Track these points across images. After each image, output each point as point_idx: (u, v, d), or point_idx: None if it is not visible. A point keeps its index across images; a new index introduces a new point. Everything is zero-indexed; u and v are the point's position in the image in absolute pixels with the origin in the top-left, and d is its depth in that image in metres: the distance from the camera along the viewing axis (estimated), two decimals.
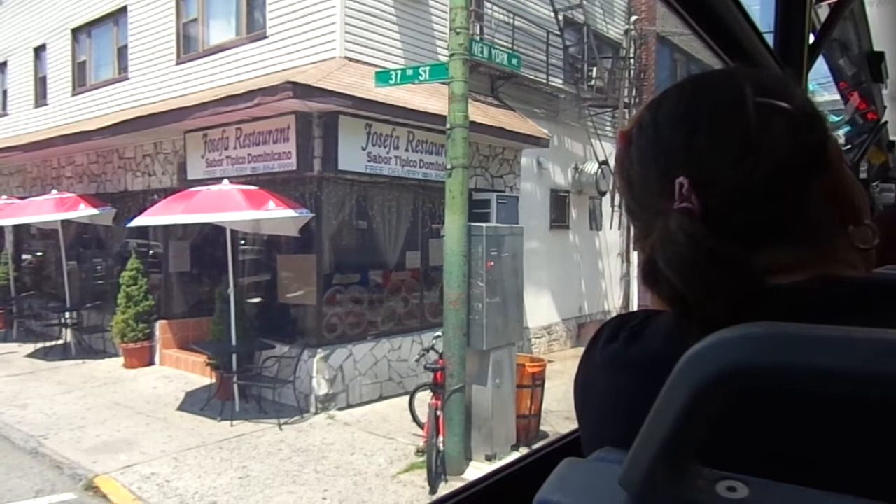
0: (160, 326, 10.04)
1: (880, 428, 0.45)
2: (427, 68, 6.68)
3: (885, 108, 3.89)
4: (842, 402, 0.42)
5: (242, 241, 9.44)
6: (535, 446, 5.67)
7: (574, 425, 0.70)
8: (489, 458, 6.33)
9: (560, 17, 11.17)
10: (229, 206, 7.27)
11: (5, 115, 15.35)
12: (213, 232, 8.81)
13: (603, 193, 12.32)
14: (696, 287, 0.53)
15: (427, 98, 8.32)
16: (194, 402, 7.90)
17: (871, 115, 3.84)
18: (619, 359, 0.61)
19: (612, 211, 12.42)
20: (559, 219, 11.90)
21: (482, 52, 7.37)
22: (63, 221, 10.61)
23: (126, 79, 11.68)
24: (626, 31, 13.15)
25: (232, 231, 8.03)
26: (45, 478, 5.84)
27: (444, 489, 5.76)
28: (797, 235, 0.58)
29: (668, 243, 0.55)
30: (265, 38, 9.15)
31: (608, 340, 0.63)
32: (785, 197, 0.57)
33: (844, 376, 0.35)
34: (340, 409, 7.90)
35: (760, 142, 0.57)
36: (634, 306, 12.85)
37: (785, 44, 1.50)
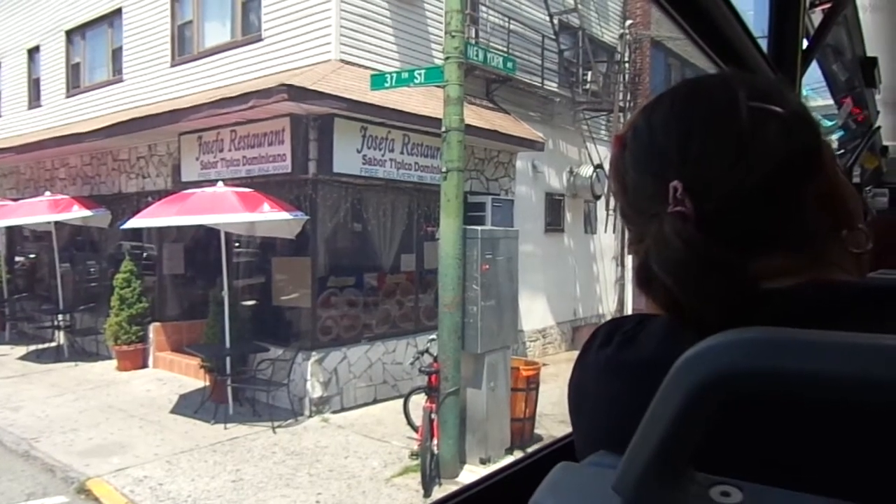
0: (154, 329, 10.00)
1: (873, 433, 0.45)
2: (422, 71, 6.69)
3: (878, 112, 3.91)
4: (835, 408, 0.42)
5: (237, 244, 9.41)
6: (529, 450, 5.66)
7: (568, 429, 0.70)
8: (483, 462, 6.33)
9: (555, 21, 11.20)
10: (224, 209, 7.25)
11: None
12: (208, 234, 8.79)
13: (598, 197, 12.34)
14: (690, 291, 0.53)
15: (422, 101, 8.32)
16: (188, 405, 7.87)
17: (864, 120, 3.86)
18: (613, 363, 0.61)
19: (607, 215, 12.44)
20: (554, 222, 11.91)
21: (477, 56, 7.39)
22: (56, 223, 10.57)
23: (120, 81, 11.65)
24: (621, 36, 13.19)
25: (226, 233, 8.00)
26: (37, 481, 5.81)
27: (438, 492, 5.75)
28: (791, 240, 0.58)
29: (663, 247, 0.55)
30: (260, 40, 9.14)
31: (602, 344, 0.63)
32: (779, 201, 0.57)
33: (838, 381, 0.35)
34: (334, 412, 7.88)
35: (754, 146, 0.57)
36: (629, 310, 12.87)
37: (778, 49, 1.51)
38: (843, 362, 0.35)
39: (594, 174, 11.98)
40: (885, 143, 4.95)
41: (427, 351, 6.62)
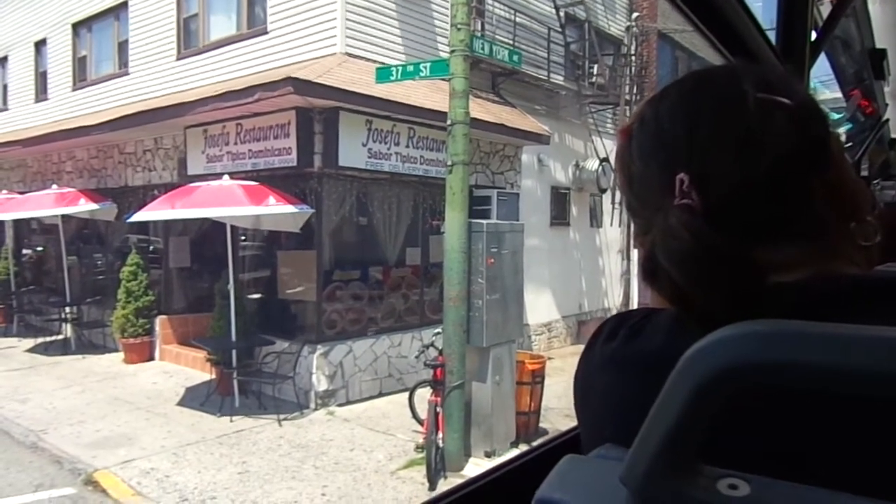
0: (160, 322, 10.04)
1: (882, 426, 0.45)
2: (428, 64, 6.67)
3: (886, 105, 3.88)
4: (844, 400, 0.42)
5: (243, 237, 9.43)
6: (535, 443, 5.66)
7: (574, 422, 0.70)
8: (488, 455, 6.34)
9: (561, 14, 11.16)
10: (229, 202, 7.27)
11: (6, 109, 15.33)
12: (214, 228, 8.80)
13: (603, 190, 12.31)
14: (697, 283, 0.53)
15: (427, 94, 8.31)
16: (194, 398, 7.91)
17: (873, 112, 3.83)
18: (618, 356, 0.61)
19: (613, 208, 12.42)
20: (560, 216, 11.89)
21: (483, 49, 7.36)
22: (63, 216, 10.61)
23: (126, 74, 11.67)
24: (628, 28, 13.13)
25: (232, 227, 8.02)
26: (45, 472, 5.85)
27: (443, 486, 5.76)
28: (798, 232, 0.58)
29: (669, 239, 0.55)
30: (266, 33, 9.14)
31: (608, 338, 0.63)
32: (786, 193, 0.57)
33: (847, 374, 0.35)
34: (340, 405, 7.91)
35: (761, 137, 0.56)
36: (634, 304, 12.85)
37: (787, 40, 1.50)
38: (852, 355, 0.35)
39: (600, 168, 11.95)
40: (893, 135, 4.92)
41: (432, 344, 6.63)
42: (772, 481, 0.43)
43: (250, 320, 8.44)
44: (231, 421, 7.16)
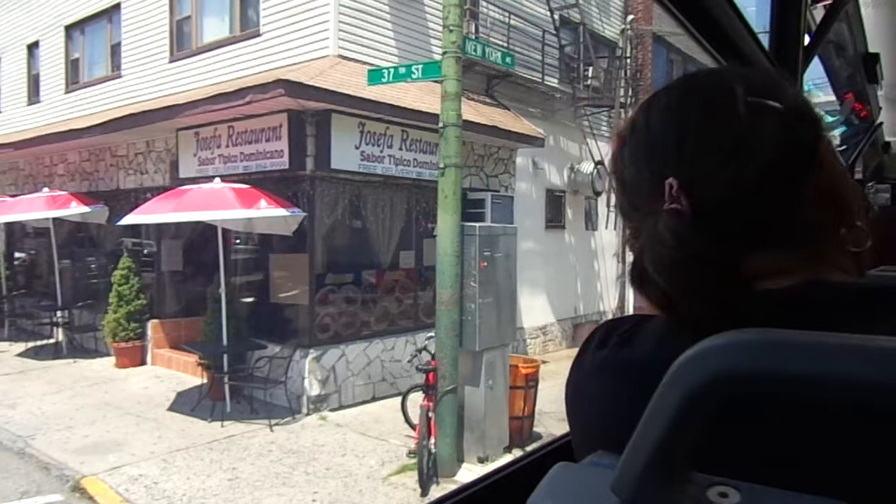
0: (152, 326, 10.00)
1: (869, 434, 0.45)
2: (420, 67, 6.67)
3: (880, 108, 3.91)
4: (832, 408, 0.42)
5: (236, 241, 9.40)
6: (528, 449, 5.66)
7: (567, 428, 0.69)
8: (481, 461, 6.32)
9: (556, 16, 11.19)
10: (221, 205, 7.24)
11: None
12: (206, 231, 8.78)
13: (598, 194, 12.34)
14: (682, 289, 0.53)
15: (420, 97, 8.31)
16: (185, 403, 7.87)
17: (866, 116, 3.85)
18: (609, 364, 0.61)
19: (608, 211, 12.44)
20: (555, 219, 11.92)
21: (475, 50, 7.37)
22: (55, 220, 10.57)
23: (119, 76, 11.64)
24: (623, 31, 13.18)
25: (224, 230, 7.99)
26: (32, 479, 5.80)
27: (435, 491, 5.75)
28: (788, 238, 0.57)
29: (656, 244, 0.55)
30: (259, 35, 9.13)
31: (599, 345, 0.63)
32: (775, 198, 0.56)
33: (834, 383, 0.36)
34: (332, 409, 7.88)
35: (751, 141, 0.56)
36: (630, 307, 12.89)
37: (780, 44, 1.50)
38: (839, 364, 0.35)
39: (595, 171, 11.97)
40: (887, 138, 4.95)
41: (425, 348, 6.62)
42: (762, 489, 0.43)
43: (242, 324, 8.41)
44: (222, 426, 7.12)
